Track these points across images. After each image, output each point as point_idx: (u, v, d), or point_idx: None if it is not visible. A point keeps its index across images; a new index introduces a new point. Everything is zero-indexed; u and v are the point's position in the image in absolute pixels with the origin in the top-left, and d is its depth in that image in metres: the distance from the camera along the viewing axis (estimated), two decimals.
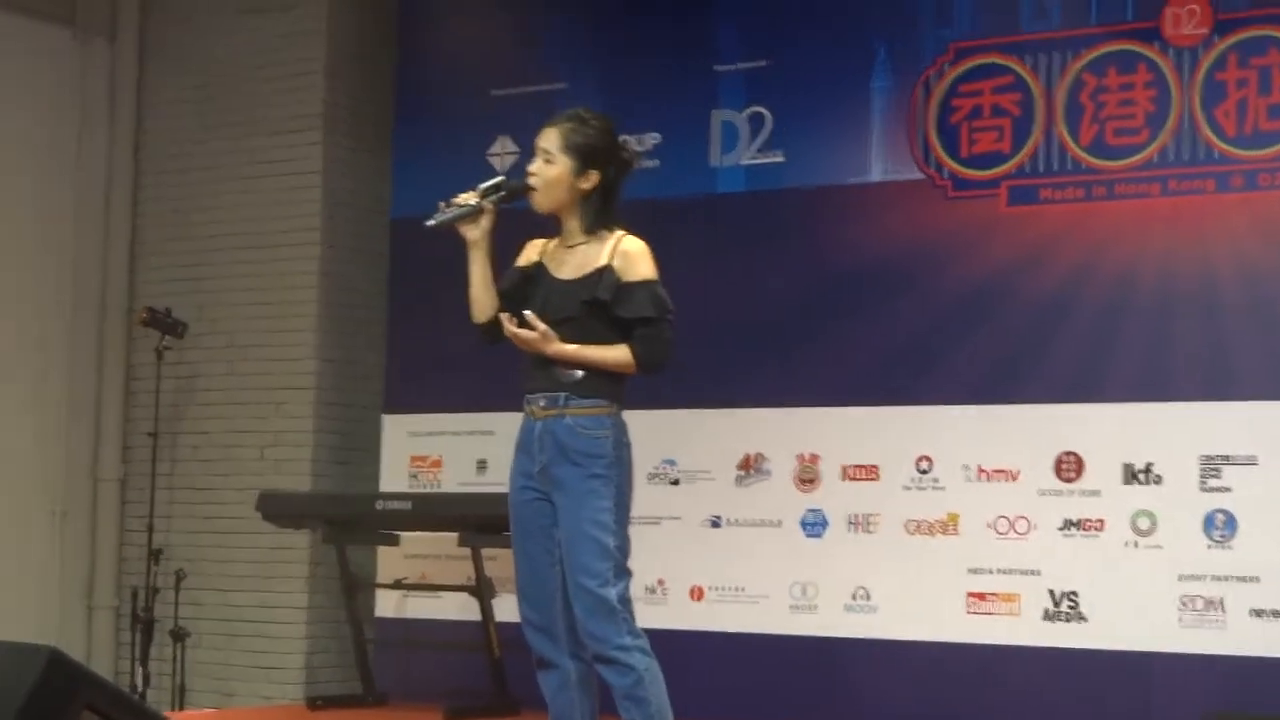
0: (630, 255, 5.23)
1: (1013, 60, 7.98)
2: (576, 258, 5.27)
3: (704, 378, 8.39)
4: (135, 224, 10.01)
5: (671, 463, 8.53)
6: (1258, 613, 7.35)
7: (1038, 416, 7.78)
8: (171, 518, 9.59)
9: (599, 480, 5.14)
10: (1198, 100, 7.61)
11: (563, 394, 5.18)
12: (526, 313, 5.17)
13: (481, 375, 8.12)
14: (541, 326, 5.13)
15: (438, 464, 9.07)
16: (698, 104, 8.66)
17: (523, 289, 5.34)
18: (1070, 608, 7.65)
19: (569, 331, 5.17)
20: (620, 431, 5.22)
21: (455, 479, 9.03)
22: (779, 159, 8.49)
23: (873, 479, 8.11)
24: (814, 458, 8.24)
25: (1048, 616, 7.70)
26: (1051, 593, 7.70)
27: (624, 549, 5.19)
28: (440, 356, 8.85)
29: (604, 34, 8.98)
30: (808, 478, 8.25)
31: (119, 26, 10.01)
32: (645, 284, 5.21)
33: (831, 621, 8.12)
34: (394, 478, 9.18)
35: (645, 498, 8.42)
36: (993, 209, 7.97)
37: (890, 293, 8.12)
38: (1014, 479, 7.82)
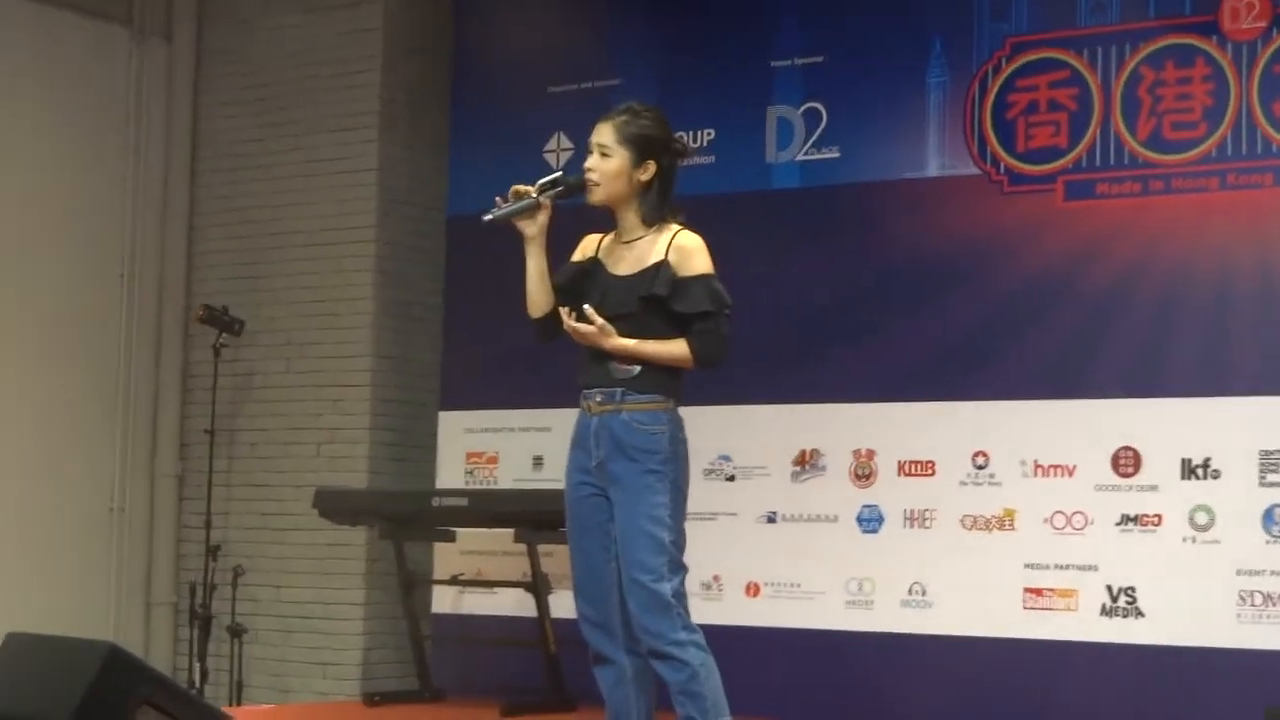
0: (686, 250, 5.23)
1: (1069, 55, 7.95)
2: (633, 253, 5.27)
3: (760, 373, 8.39)
4: (192, 222, 10.06)
5: (727, 459, 8.53)
6: None
7: (1095, 411, 7.75)
8: (229, 514, 9.64)
9: (655, 476, 5.15)
10: (1256, 94, 7.56)
11: (619, 389, 5.19)
12: (585, 307, 5.18)
13: (537, 371, 8.15)
14: (600, 321, 5.14)
15: (494, 460, 9.08)
16: (753, 100, 8.66)
17: (579, 284, 5.34)
18: (1128, 603, 7.62)
19: (626, 327, 5.18)
20: (676, 427, 5.23)
21: (511, 475, 9.05)
22: (834, 155, 8.47)
23: (929, 475, 8.09)
24: (870, 453, 8.22)
25: (1105, 612, 7.66)
26: (1109, 588, 7.66)
27: (679, 544, 5.20)
28: (496, 353, 8.86)
29: (659, 30, 8.99)
30: (864, 473, 8.23)
31: (175, 25, 10.07)
32: (702, 279, 5.22)
33: (888, 617, 8.10)
34: (450, 474, 9.20)
35: (701, 494, 8.42)
36: (1049, 204, 7.94)
37: (946, 288, 8.09)
38: (1071, 474, 7.78)
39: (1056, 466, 7.83)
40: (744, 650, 8.31)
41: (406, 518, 8.70)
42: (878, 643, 8.10)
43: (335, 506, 8.77)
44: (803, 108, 8.55)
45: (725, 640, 8.34)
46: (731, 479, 8.52)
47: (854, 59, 8.44)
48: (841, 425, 8.27)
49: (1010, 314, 7.95)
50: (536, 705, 8.22)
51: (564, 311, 5.22)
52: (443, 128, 9.57)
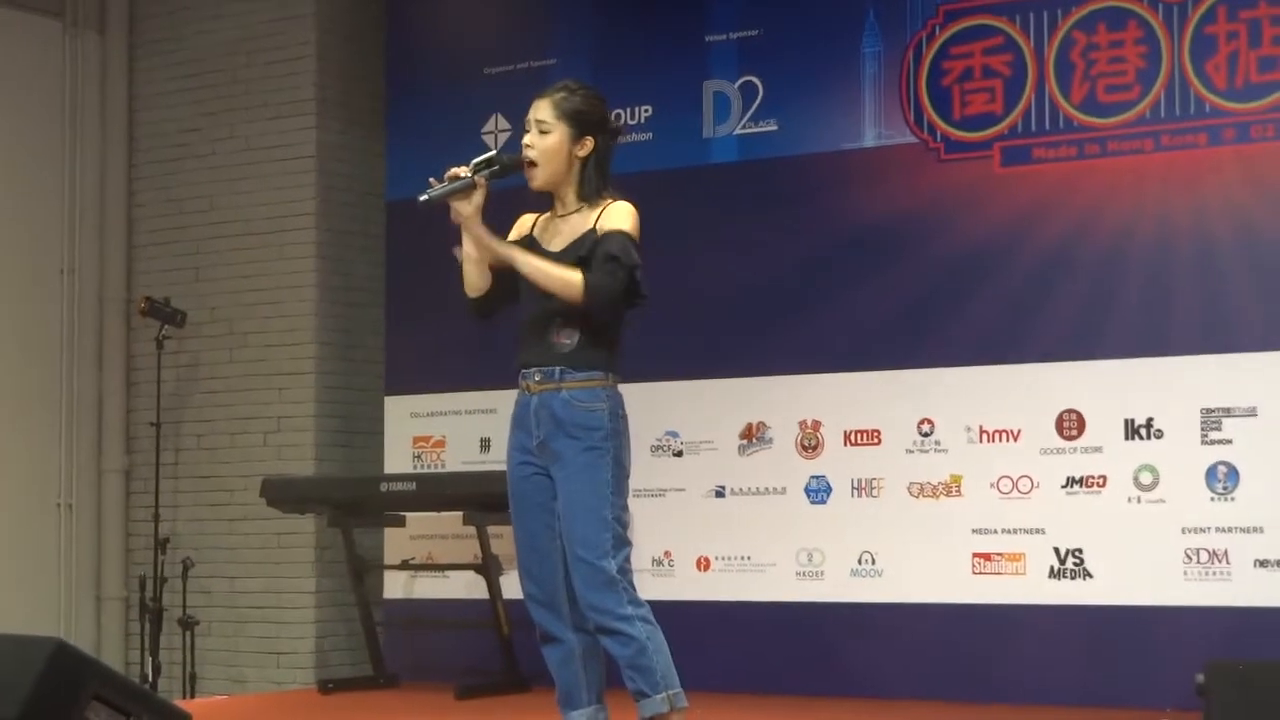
0: (613, 212, 5.22)
1: (1002, 21, 7.97)
2: (567, 229, 5.27)
3: (703, 348, 8.41)
4: (131, 214, 10.02)
5: (674, 434, 8.54)
6: (1262, 563, 7.35)
7: (1037, 376, 7.79)
8: (177, 507, 9.61)
9: (596, 453, 5.14)
10: (1188, 55, 7.59)
11: (557, 368, 5.18)
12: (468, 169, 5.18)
13: (481, 354, 8.14)
14: (471, 205, 5.15)
15: (441, 444, 9.08)
16: (690, 75, 8.66)
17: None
18: (1076, 565, 7.66)
19: (560, 303, 5.16)
20: (616, 403, 5.22)
21: (459, 458, 9.05)
22: (772, 128, 8.48)
23: (875, 444, 8.12)
24: (816, 424, 8.25)
25: (1054, 574, 7.71)
26: (1057, 550, 7.71)
27: (623, 520, 5.18)
28: (440, 336, 8.85)
29: (594, 8, 8.99)
30: (810, 444, 8.25)
31: (108, 17, 10.02)
32: (618, 233, 5.17)
33: (839, 587, 8.13)
34: (397, 459, 9.19)
35: (649, 470, 8.49)
36: (987, 170, 7.96)
37: (887, 257, 8.12)
38: (1016, 439, 7.83)
39: (1001, 431, 7.87)
40: (696, 624, 8.34)
41: (355, 504, 8.69)
42: (830, 613, 8.14)
43: (283, 495, 8.75)
44: (739, 81, 8.55)
45: (677, 615, 8.35)
46: (679, 454, 8.53)
47: (789, 31, 8.45)
48: (787, 397, 8.29)
49: (951, 281, 7.97)
50: (491, 687, 8.22)
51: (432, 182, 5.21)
52: (379, 112, 9.55)
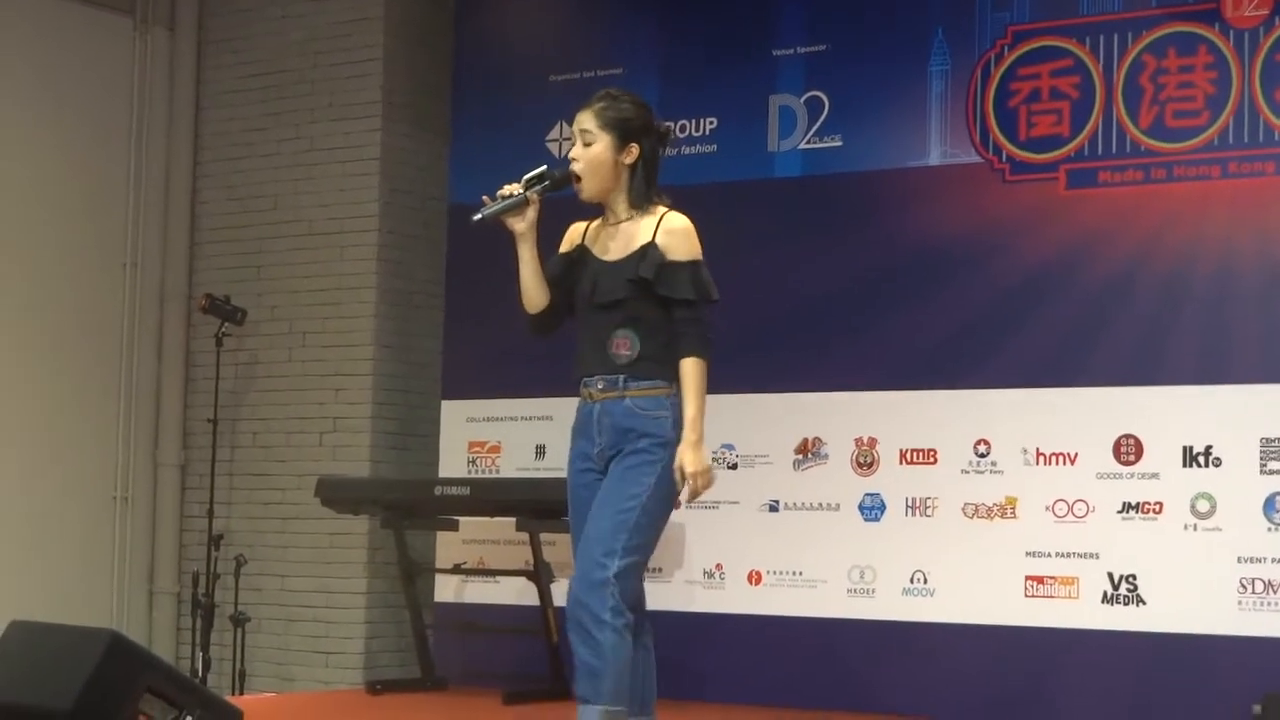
0: (674, 233, 5.23)
1: (1071, 43, 7.95)
2: (621, 236, 5.27)
3: (762, 362, 8.40)
4: (195, 212, 10.07)
5: (730, 447, 8.53)
6: None
7: (1096, 399, 7.75)
8: (231, 504, 9.65)
9: (647, 458, 5.14)
10: (1258, 82, 7.56)
11: (621, 376, 5.19)
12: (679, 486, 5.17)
13: (539, 361, 8.12)
14: (690, 487, 5.17)
15: (496, 449, 9.09)
16: (755, 89, 8.65)
17: (569, 274, 5.35)
18: (1129, 590, 7.62)
19: (618, 314, 5.18)
20: (679, 412, 5.22)
21: (513, 464, 9.06)
22: (837, 143, 8.47)
23: (930, 463, 8.09)
24: (872, 441, 8.23)
25: (1107, 599, 7.67)
26: (1110, 576, 7.67)
27: (645, 532, 5.15)
28: (498, 342, 8.86)
29: (661, 19, 8.98)
30: (865, 461, 8.23)
31: (178, 15, 10.08)
32: (689, 265, 5.22)
33: (890, 605, 8.11)
34: (452, 463, 9.20)
35: None
36: (1051, 192, 7.94)
37: (948, 276, 8.10)
38: (1072, 462, 7.79)
39: (1058, 454, 7.83)
40: (746, 638, 8.35)
41: (409, 506, 8.70)
42: (879, 631, 8.11)
43: (337, 495, 8.77)
44: (805, 96, 8.55)
45: (727, 628, 8.42)
46: (734, 467, 8.52)
47: (856, 47, 8.44)
48: (843, 413, 8.27)
49: (1012, 302, 7.95)
50: (538, 693, 8.22)
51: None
52: (444, 116, 9.58)
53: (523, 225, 5.28)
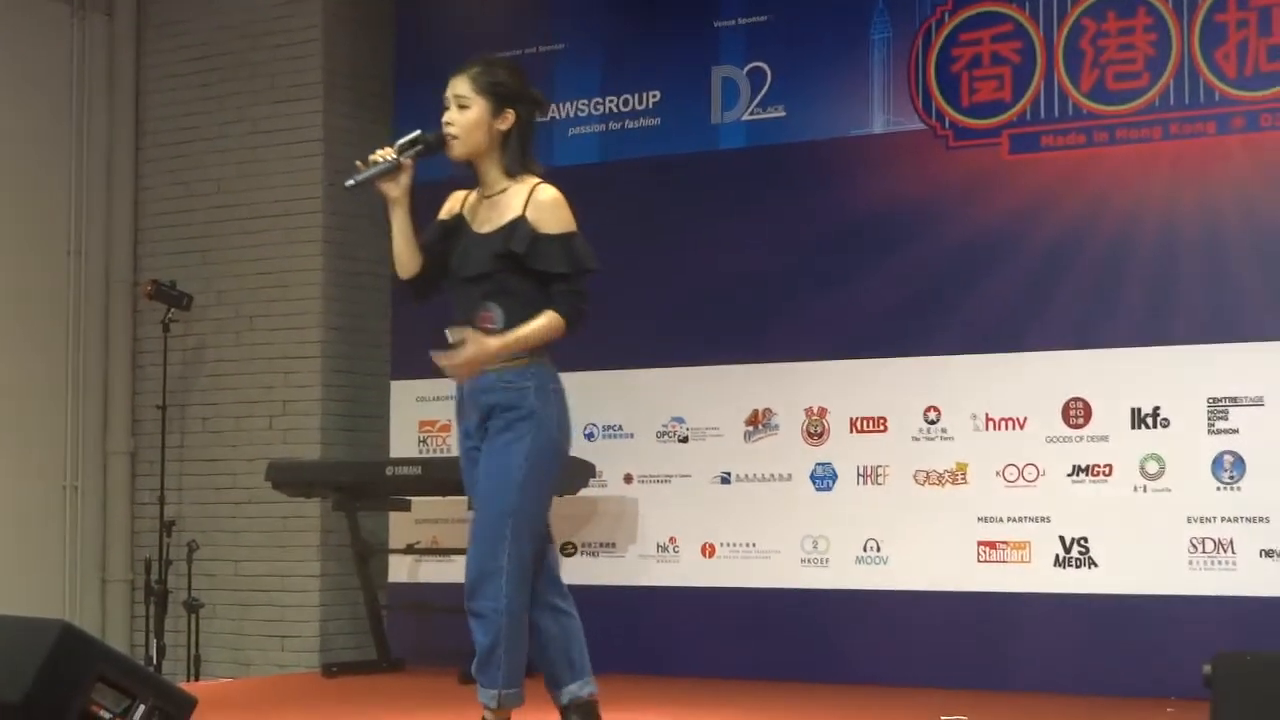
0: (543, 205, 5.19)
1: (1011, 8, 7.96)
2: (494, 208, 5.24)
3: (710, 334, 8.41)
4: (138, 198, 10.02)
5: (680, 420, 8.54)
6: (1268, 553, 7.35)
7: (1044, 364, 7.78)
8: (182, 490, 9.62)
9: (511, 436, 5.13)
10: (1197, 43, 7.58)
11: None
12: (447, 331, 5.15)
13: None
14: (465, 341, 5.11)
15: (446, 428, 9.07)
16: (698, 61, 8.65)
17: (443, 241, 5.32)
18: (1081, 553, 7.66)
19: (488, 286, 5.17)
20: (543, 378, 5.18)
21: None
22: (780, 114, 8.47)
23: (881, 431, 8.11)
24: (822, 411, 8.24)
25: (1059, 563, 7.71)
26: (1062, 539, 7.71)
27: (531, 507, 5.14)
28: (447, 321, 8.79)
29: None
30: (816, 431, 8.25)
31: (116, 0, 10.00)
32: (561, 238, 5.18)
33: (844, 574, 8.13)
34: (403, 443, 9.19)
35: (655, 455, 8.51)
36: (995, 157, 7.96)
37: (894, 244, 8.11)
38: (1022, 427, 7.82)
39: (1007, 419, 7.86)
40: (701, 610, 8.36)
41: (360, 488, 8.69)
42: (835, 600, 8.14)
43: (289, 479, 8.75)
44: (747, 67, 8.54)
45: (682, 601, 8.43)
46: (685, 440, 8.53)
47: (797, 17, 8.44)
48: (793, 384, 8.29)
49: (958, 268, 7.97)
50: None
51: (437, 355, 5.17)
52: (387, 96, 9.54)
53: (396, 191, 5.25)
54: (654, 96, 8.75)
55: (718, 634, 8.32)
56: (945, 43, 8.08)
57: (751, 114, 8.52)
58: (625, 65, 8.80)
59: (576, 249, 5.19)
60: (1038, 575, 7.73)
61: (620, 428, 8.67)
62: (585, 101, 8.91)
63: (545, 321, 5.14)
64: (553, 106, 8.93)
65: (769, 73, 8.49)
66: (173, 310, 9.40)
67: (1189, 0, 7.61)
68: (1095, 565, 7.64)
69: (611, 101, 8.85)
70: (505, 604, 5.09)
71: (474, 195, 5.35)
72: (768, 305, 8.34)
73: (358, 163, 5.30)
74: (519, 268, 5.14)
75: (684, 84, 8.68)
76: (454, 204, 5.40)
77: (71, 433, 9.81)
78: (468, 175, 5.37)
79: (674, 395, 8.53)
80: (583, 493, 8.41)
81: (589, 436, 8.69)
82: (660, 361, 8.55)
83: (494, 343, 5.11)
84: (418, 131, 5.32)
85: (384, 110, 9.55)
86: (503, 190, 5.25)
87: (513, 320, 5.14)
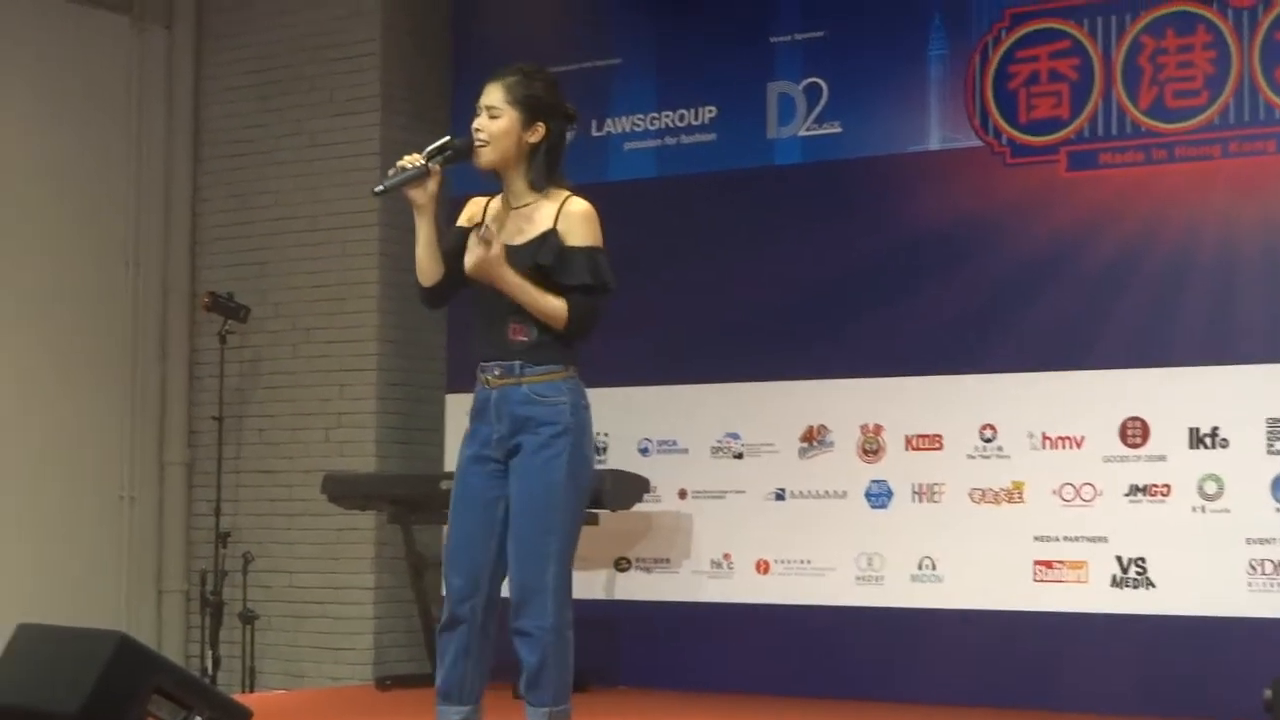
0: (573, 217, 5.12)
1: (1069, 25, 7.93)
2: (521, 221, 5.17)
3: (765, 351, 8.40)
4: (196, 210, 10.06)
5: (735, 436, 8.53)
6: None
7: (1102, 382, 7.74)
8: (238, 501, 9.65)
9: (550, 453, 5.09)
10: (1257, 60, 7.54)
11: (517, 362, 5.12)
12: (485, 227, 5.10)
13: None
14: (498, 242, 5.06)
15: None
16: (754, 76, 8.64)
17: (464, 248, 5.24)
18: (1138, 574, 7.62)
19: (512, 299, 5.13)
20: (578, 395, 5.15)
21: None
22: (836, 130, 8.46)
23: (936, 449, 8.08)
24: (877, 428, 8.22)
25: (1116, 583, 7.66)
26: (1119, 559, 7.66)
27: (572, 522, 5.13)
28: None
29: (659, 7, 8.97)
30: (871, 448, 8.23)
31: (176, 13, 10.06)
32: (587, 251, 5.11)
33: (898, 592, 8.11)
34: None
35: (709, 472, 8.50)
36: (1052, 175, 7.93)
37: (951, 261, 8.09)
38: (1079, 446, 7.78)
39: (1065, 438, 7.82)
40: (754, 627, 8.35)
41: (415, 501, 8.69)
42: (889, 618, 8.11)
43: (344, 491, 8.77)
44: (804, 83, 8.53)
45: (736, 617, 8.41)
46: (739, 456, 8.52)
47: (854, 33, 8.43)
48: (848, 401, 8.27)
49: (1016, 286, 7.94)
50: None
51: (473, 235, 5.12)
52: (444, 108, 9.56)
53: (423, 197, 5.20)
54: (710, 112, 8.75)
55: (771, 651, 8.30)
56: (1003, 59, 8.06)
57: (808, 129, 8.51)
58: (681, 80, 8.80)
59: (600, 265, 5.14)
60: (1094, 596, 7.68)
61: (675, 443, 8.67)
62: (641, 117, 8.92)
63: (555, 301, 5.06)
64: (609, 121, 8.95)
65: (825, 88, 8.48)
66: (230, 322, 9.43)
67: (1249, 18, 7.57)
68: (1153, 586, 7.59)
69: (668, 117, 8.85)
70: (551, 622, 5.05)
71: (497, 204, 5.29)
72: (823, 321, 8.33)
73: (389, 170, 5.30)
74: (546, 281, 5.11)
75: (740, 99, 8.67)
76: (474, 211, 5.35)
77: (128, 443, 9.85)
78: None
79: (729, 411, 8.51)
80: (637, 508, 8.41)
81: (643, 452, 8.70)
82: (715, 377, 8.54)
83: (508, 272, 5.05)
84: (447, 138, 5.30)
85: (441, 123, 9.55)
86: (530, 203, 5.19)
87: (543, 333, 5.12)
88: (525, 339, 5.10)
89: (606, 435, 8.79)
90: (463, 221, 5.35)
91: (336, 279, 9.50)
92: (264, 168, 9.82)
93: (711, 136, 8.72)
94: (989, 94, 8.07)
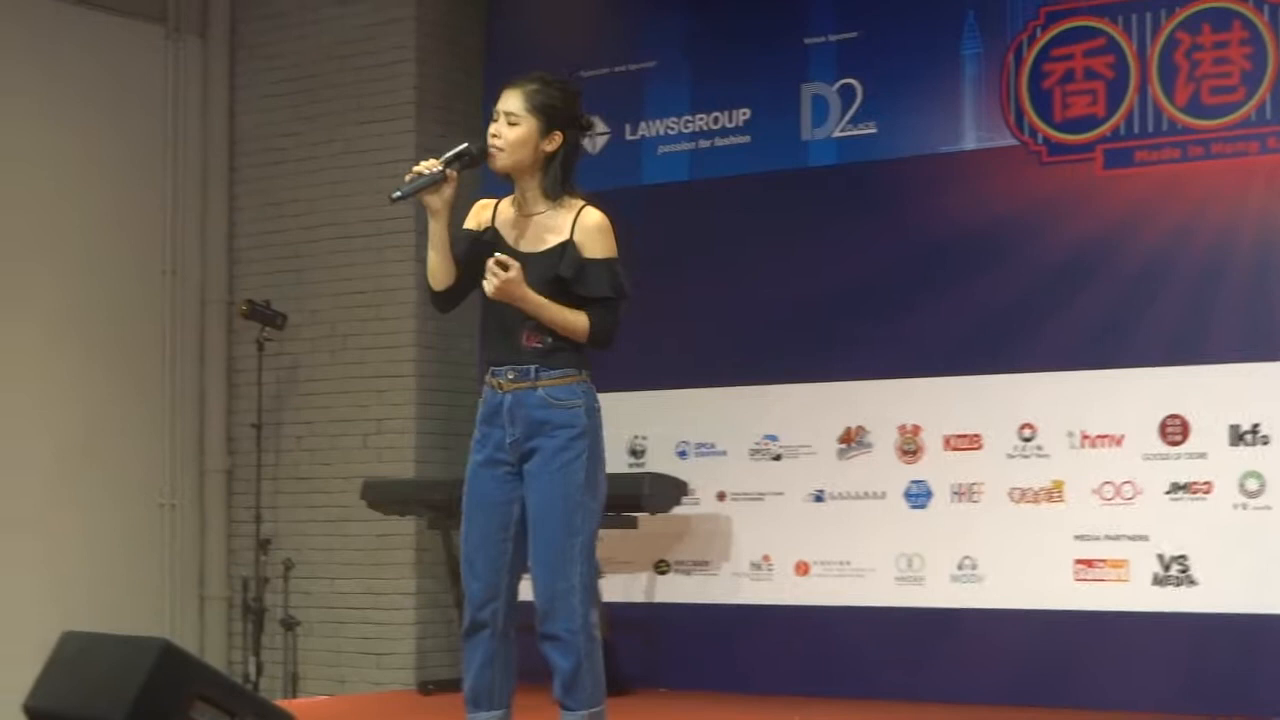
0: (591, 230, 5.14)
1: (1104, 22, 7.91)
2: (536, 228, 5.19)
3: (802, 352, 8.39)
4: (232, 218, 10.09)
5: (773, 438, 8.52)
6: None
7: (1141, 380, 7.72)
8: (278, 508, 9.67)
9: (573, 451, 5.10)
10: None
11: (532, 366, 5.13)
12: (497, 256, 5.10)
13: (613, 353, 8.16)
14: (515, 266, 5.07)
15: None
16: (788, 78, 8.64)
17: (474, 252, 5.25)
18: (1180, 572, 7.59)
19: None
20: (591, 399, 5.16)
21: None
22: (871, 130, 8.45)
23: (975, 448, 8.07)
24: (916, 429, 8.21)
25: (1157, 581, 7.64)
26: (1160, 557, 7.64)
27: (592, 524, 5.15)
28: None
29: (691, 10, 8.98)
30: (910, 449, 8.22)
31: (210, 22, 10.10)
32: (606, 263, 5.14)
33: (938, 592, 8.09)
34: None
35: (748, 474, 8.50)
36: (1088, 173, 7.91)
37: (988, 260, 8.07)
38: (1119, 444, 7.76)
39: (1104, 436, 7.80)
40: (795, 629, 8.34)
41: (454, 506, 8.60)
42: (930, 618, 8.10)
43: (383, 497, 8.79)
44: (838, 84, 8.53)
45: (776, 619, 8.41)
46: (778, 458, 8.51)
47: (888, 33, 8.42)
48: (886, 401, 8.26)
49: (1053, 284, 7.92)
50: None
51: (490, 263, 5.13)
52: (477, 115, 9.55)
53: (439, 202, 5.21)
54: (744, 114, 8.75)
55: (812, 652, 8.29)
56: (1037, 58, 8.04)
57: (842, 130, 8.50)
58: (715, 83, 8.80)
59: (618, 276, 5.17)
60: (1136, 594, 7.66)
61: (713, 445, 8.67)
62: (675, 119, 8.92)
63: (575, 317, 5.10)
64: (642, 125, 8.96)
65: (859, 89, 8.48)
66: (267, 329, 9.46)
67: None
68: (1194, 584, 7.56)
69: (701, 119, 8.85)
70: (581, 623, 5.07)
71: (507, 208, 5.29)
72: (860, 322, 8.32)
73: (406, 176, 5.31)
74: (563, 291, 5.13)
75: (774, 101, 8.67)
76: (482, 214, 5.35)
77: (169, 451, 9.89)
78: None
79: (767, 413, 8.51)
80: (676, 511, 8.41)
81: (682, 455, 8.70)
82: (753, 379, 8.54)
83: (530, 294, 5.07)
84: (465, 145, 5.31)
85: (475, 129, 9.51)
86: (544, 211, 5.20)
87: (558, 341, 5.13)
88: (540, 345, 5.12)
89: (644, 439, 8.81)
90: (470, 224, 5.35)
91: (373, 285, 9.52)
92: (299, 175, 9.84)
93: (746, 139, 8.72)
94: (1024, 93, 8.06)
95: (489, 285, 5.07)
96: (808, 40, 8.62)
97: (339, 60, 9.73)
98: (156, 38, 10.01)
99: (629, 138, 9.01)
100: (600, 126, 9.04)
